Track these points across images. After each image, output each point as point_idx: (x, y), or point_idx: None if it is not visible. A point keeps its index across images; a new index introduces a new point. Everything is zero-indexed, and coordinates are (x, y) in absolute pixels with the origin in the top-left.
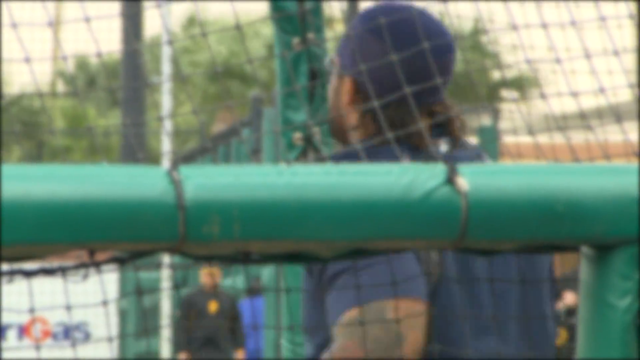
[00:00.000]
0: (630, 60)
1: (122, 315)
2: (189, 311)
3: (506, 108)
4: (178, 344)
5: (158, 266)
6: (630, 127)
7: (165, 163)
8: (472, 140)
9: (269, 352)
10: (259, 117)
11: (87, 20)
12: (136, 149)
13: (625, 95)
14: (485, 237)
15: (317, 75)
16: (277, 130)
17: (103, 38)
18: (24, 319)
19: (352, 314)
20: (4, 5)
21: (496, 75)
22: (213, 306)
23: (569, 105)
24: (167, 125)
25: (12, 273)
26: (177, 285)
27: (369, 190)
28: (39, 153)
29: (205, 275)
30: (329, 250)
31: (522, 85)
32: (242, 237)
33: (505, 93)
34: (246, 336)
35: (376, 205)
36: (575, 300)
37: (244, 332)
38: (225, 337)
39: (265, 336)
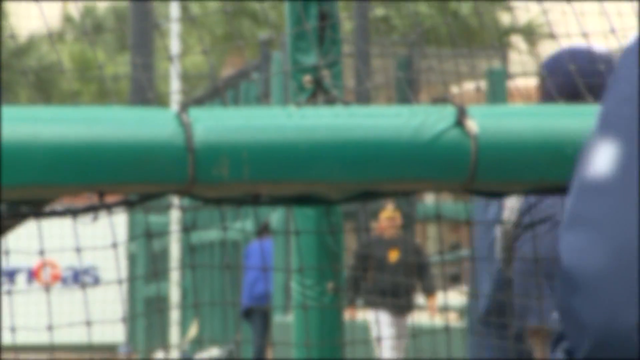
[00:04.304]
0: None
1: (132, 259)
2: (365, 262)
3: (516, 50)
4: (349, 299)
5: (168, 208)
6: None
7: (174, 106)
8: (482, 83)
9: (278, 295)
10: (267, 61)
11: None
12: (146, 87)
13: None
14: (494, 179)
15: (327, 17)
16: (286, 70)
17: None
18: (34, 263)
19: None
20: None
21: (506, 19)
22: (394, 255)
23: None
24: (176, 68)
25: (22, 215)
26: (186, 228)
27: (379, 132)
28: (47, 97)
29: (384, 220)
30: (338, 193)
31: (532, 29)
32: (251, 179)
33: (515, 38)
34: (256, 280)
35: (385, 147)
36: None
37: (430, 279)
38: (411, 288)
39: (274, 279)
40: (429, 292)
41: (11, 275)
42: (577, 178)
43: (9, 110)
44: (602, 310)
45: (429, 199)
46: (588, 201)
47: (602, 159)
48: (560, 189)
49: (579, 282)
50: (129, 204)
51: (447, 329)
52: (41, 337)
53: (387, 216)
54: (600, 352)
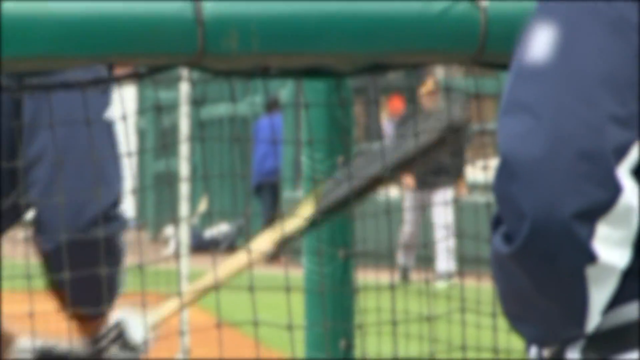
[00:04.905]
0: None
1: (141, 135)
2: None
3: None
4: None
5: (177, 80)
6: None
7: None
8: None
9: (287, 170)
10: None
11: None
12: None
13: None
14: (503, 51)
15: None
16: None
17: None
18: None
19: None
20: None
21: None
22: None
23: None
24: None
25: (33, 87)
26: (196, 102)
27: (388, 3)
28: None
29: (424, 97)
30: (347, 65)
31: None
32: (260, 51)
33: None
34: (265, 156)
35: (395, 19)
36: None
37: (462, 159)
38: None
39: (284, 154)
40: (459, 173)
41: None
42: (516, 62)
43: None
44: (540, 198)
45: (438, 74)
46: (525, 86)
47: (541, 44)
48: None
49: (518, 169)
50: (138, 77)
51: (456, 202)
52: None
53: (428, 90)
54: (538, 239)
